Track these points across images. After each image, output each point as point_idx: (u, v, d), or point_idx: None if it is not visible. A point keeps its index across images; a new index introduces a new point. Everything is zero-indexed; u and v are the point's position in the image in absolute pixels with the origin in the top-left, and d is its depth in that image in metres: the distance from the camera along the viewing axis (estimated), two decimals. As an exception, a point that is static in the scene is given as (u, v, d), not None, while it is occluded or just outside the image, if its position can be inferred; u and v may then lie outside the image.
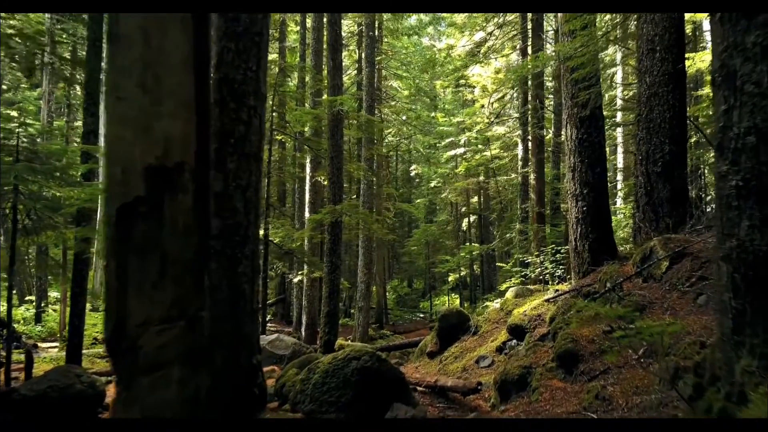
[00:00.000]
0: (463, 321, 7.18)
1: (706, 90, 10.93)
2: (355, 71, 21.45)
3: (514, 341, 5.30)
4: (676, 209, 7.15)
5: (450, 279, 27.71)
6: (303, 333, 14.86)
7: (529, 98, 16.87)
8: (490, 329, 6.69)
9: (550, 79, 19.97)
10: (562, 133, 18.75)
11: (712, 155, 14.55)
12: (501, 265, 15.14)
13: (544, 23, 16.53)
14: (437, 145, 26.65)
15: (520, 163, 17.18)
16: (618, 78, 16.43)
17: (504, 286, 8.80)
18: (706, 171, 14.27)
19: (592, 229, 5.82)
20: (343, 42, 22.78)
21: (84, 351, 10.34)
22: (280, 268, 18.61)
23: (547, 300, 5.59)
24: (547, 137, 17.66)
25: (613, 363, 3.29)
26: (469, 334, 6.95)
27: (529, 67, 6.13)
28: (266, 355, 9.41)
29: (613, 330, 3.64)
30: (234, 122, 3.46)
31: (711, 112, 11.79)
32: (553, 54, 5.46)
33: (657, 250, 4.64)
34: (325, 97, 9.86)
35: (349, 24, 22.21)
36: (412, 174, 32.06)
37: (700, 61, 10.43)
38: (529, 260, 12.64)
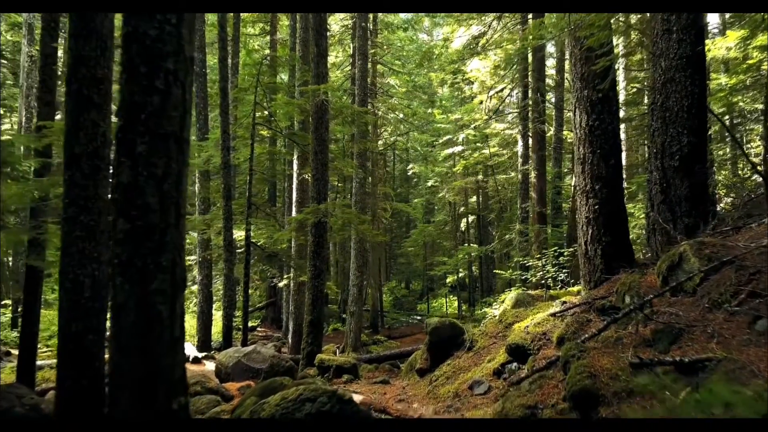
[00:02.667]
0: (457, 335, 6.35)
1: (722, 79, 10.09)
2: (350, 66, 20.68)
3: (515, 364, 4.47)
4: (696, 208, 6.38)
5: (448, 280, 26.96)
6: (290, 340, 14.04)
7: (530, 93, 16.07)
8: (486, 345, 5.87)
9: (552, 76, 19.19)
10: (571, 119, 17.94)
11: (724, 151, 13.75)
12: (499, 272, 14.29)
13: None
14: (434, 143, 25.90)
15: (520, 160, 16.37)
16: (620, 71, 15.61)
17: (503, 297, 7.98)
18: (714, 168, 13.47)
19: (605, 230, 5.00)
20: (338, 37, 22.03)
21: (49, 361, 9.54)
22: (270, 272, 17.81)
23: (553, 314, 4.77)
24: (548, 134, 16.87)
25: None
26: (463, 350, 6.12)
27: (531, 38, 5.30)
28: (242, 369, 8.59)
29: (643, 363, 2.80)
30: (146, 91, 2.62)
31: (731, 101, 10.91)
32: (561, 20, 4.64)
33: (688, 257, 3.81)
34: (309, 86, 9.03)
35: (343, 18, 21.48)
36: (410, 173, 31.32)
37: (716, 48, 9.61)
38: (530, 263, 11.85)
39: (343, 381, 7.10)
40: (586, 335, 3.44)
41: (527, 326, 4.92)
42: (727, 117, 14.47)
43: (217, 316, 15.99)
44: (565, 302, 5.05)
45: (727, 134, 13.75)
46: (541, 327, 4.63)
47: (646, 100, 16.69)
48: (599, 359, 3.03)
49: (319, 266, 9.21)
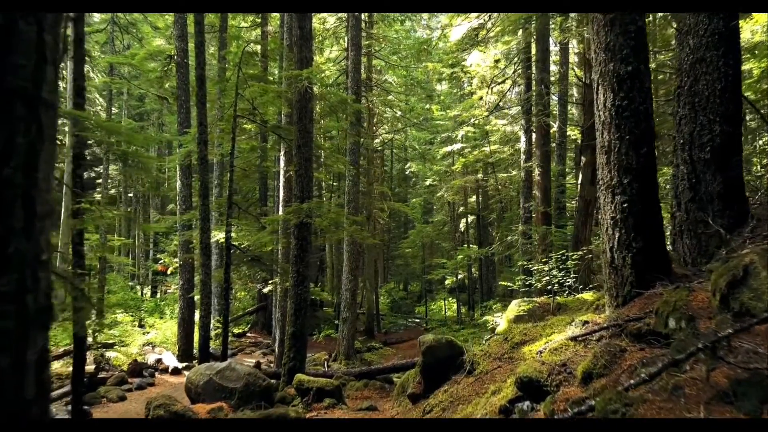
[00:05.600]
0: (455, 355, 5.44)
1: (752, 63, 9.12)
2: (345, 60, 19.78)
3: (527, 403, 3.55)
4: (730, 207, 5.49)
5: (447, 282, 26.06)
6: (277, 349, 13.14)
7: (533, 85, 15.18)
8: (490, 369, 4.95)
9: (554, 73, 18.28)
10: (574, 116, 16.93)
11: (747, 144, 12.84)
12: (505, 284, 13.34)
13: (550, 2, 14.79)
14: (433, 141, 25.03)
15: (522, 156, 15.44)
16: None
17: (508, 315, 7.08)
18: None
19: (636, 235, 4.09)
20: (333, 31, 21.10)
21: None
22: (260, 275, 16.88)
23: (574, 338, 3.85)
24: (551, 130, 15.99)
25: None
26: (463, 374, 5.21)
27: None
28: (214, 389, 7.63)
29: None
30: (-29, 25, 1.70)
31: (762, 86, 9.95)
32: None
33: (757, 270, 2.89)
34: (291, 72, 8.10)
35: (337, 9, 20.55)
36: (408, 172, 30.45)
37: (749, 28, 8.67)
38: (535, 267, 10.97)
39: (324, 406, 6.19)
40: (631, 381, 2.50)
41: (541, 351, 4.00)
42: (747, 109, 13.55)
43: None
44: (586, 322, 4.14)
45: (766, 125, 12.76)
46: (559, 355, 3.71)
47: (652, 94, 15.82)
48: (659, 417, 2.12)
49: (302, 272, 8.29)
